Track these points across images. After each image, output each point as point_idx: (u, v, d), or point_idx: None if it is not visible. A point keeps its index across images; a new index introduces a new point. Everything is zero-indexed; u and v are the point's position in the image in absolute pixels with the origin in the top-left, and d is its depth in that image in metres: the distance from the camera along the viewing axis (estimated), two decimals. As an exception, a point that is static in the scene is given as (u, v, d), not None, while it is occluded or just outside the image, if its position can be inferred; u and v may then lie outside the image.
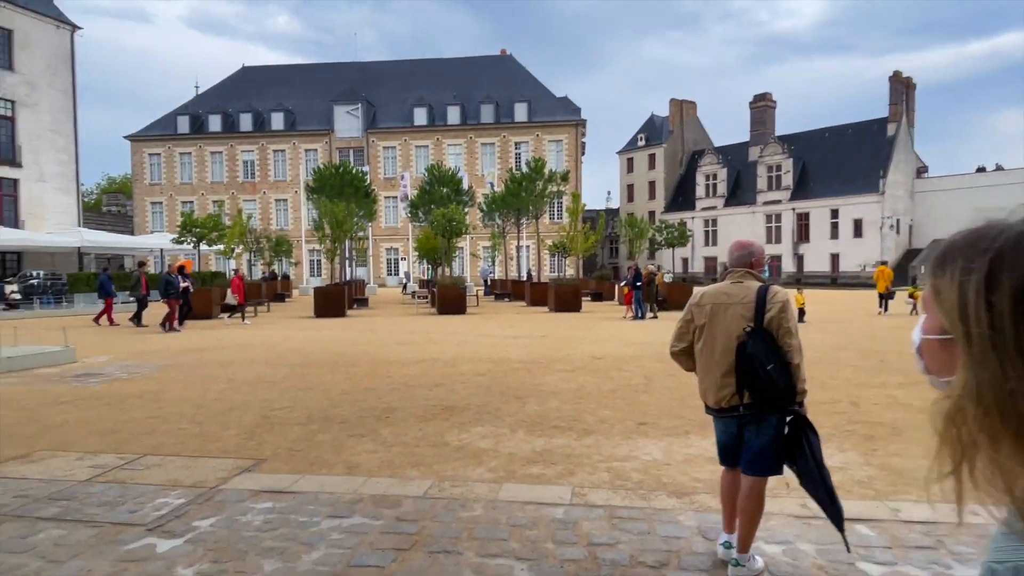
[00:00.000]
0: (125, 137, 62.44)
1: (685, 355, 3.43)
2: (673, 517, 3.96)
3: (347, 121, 60.01)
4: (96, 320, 18.85)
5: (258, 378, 9.12)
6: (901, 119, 59.31)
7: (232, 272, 20.40)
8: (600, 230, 26.47)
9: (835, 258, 60.66)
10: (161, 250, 36.68)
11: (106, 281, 19.05)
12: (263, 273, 38.87)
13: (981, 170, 58.62)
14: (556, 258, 53.03)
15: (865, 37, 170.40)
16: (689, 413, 6.75)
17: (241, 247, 24.89)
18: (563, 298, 22.06)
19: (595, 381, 8.63)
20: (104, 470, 5.02)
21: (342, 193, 25.26)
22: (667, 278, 38.15)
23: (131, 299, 18.75)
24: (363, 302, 25.49)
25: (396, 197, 58.03)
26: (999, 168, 58.18)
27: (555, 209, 53.59)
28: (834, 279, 59.60)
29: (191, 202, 59.56)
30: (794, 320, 3.13)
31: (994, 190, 55.60)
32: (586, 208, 25.34)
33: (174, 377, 9.35)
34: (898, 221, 58.82)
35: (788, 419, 3.09)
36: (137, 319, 17.87)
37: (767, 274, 35.02)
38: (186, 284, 17.31)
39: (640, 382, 8.56)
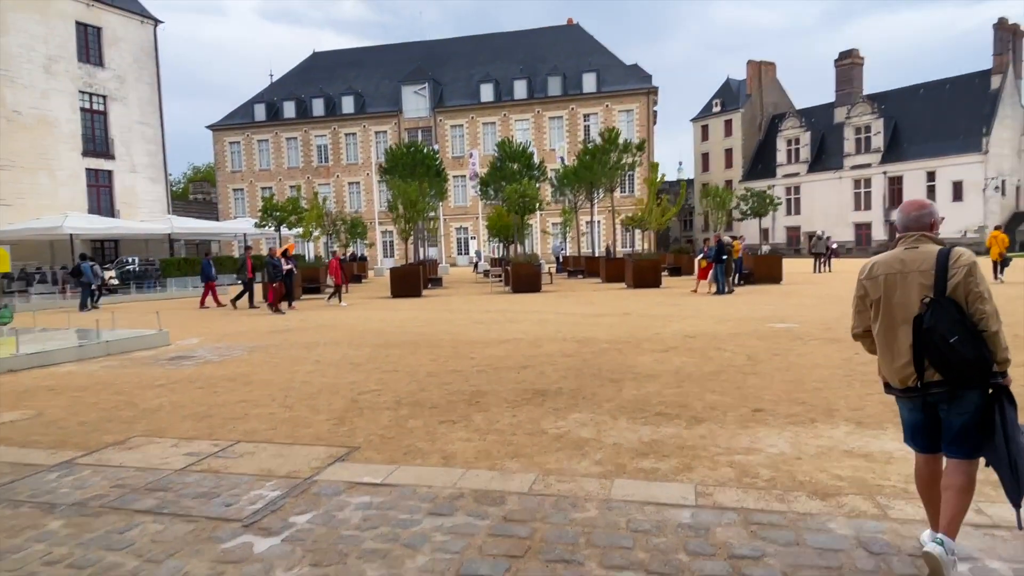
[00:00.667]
0: (207, 127, 65.03)
1: (866, 336, 3.10)
2: (822, 524, 3.42)
3: (415, 101, 60.25)
4: (202, 303, 19.62)
5: (343, 360, 9.02)
6: (1007, 70, 54.22)
7: (330, 254, 20.64)
8: (680, 201, 25.38)
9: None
10: (244, 234, 38.01)
11: (207, 266, 19.79)
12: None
13: (1103, 122, 52.93)
14: (629, 232, 51.78)
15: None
16: (808, 397, 6.10)
17: (319, 230, 25.28)
18: (642, 274, 21.28)
19: (694, 362, 8.04)
20: (199, 458, 4.91)
21: (414, 173, 25.23)
22: (835, 244, 35.77)
23: (238, 281, 19.41)
24: (437, 282, 25.51)
25: (465, 176, 58.09)
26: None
27: (626, 182, 52.20)
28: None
29: (270, 187, 61.57)
30: (984, 283, 2.74)
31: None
32: (665, 179, 24.28)
33: (261, 359, 9.39)
34: (1004, 182, 54.11)
35: (990, 392, 2.78)
36: (246, 300, 18.49)
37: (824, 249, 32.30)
38: (289, 267, 17.66)
39: (744, 362, 7.91)
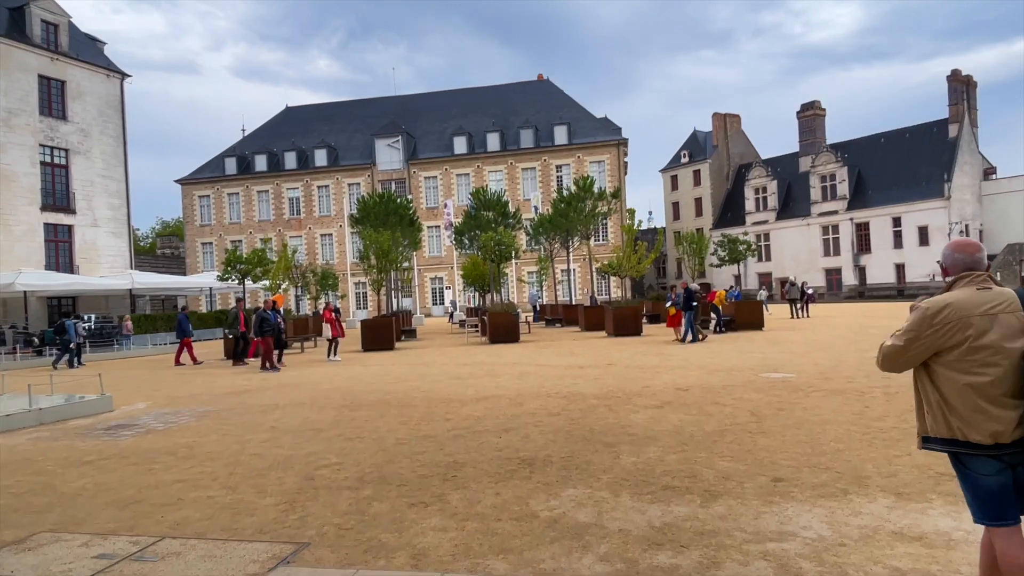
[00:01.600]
0: (176, 181, 64.08)
1: (899, 369, 2.84)
2: (905, 647, 2.64)
3: (388, 154, 60.29)
4: (177, 360, 18.49)
5: (303, 425, 8.08)
6: (963, 119, 56.28)
7: (327, 305, 19.58)
8: (658, 248, 25.05)
9: (900, 268, 57.43)
10: (211, 288, 36.77)
11: (183, 321, 18.74)
12: (312, 309, 38.64)
13: (1056, 168, 54.90)
14: (605, 280, 51.56)
15: (904, 43, 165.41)
16: (830, 461, 5.37)
17: (287, 282, 24.35)
18: (622, 322, 20.68)
19: (693, 419, 7.29)
20: (111, 562, 3.97)
21: (386, 222, 24.60)
22: (811, 290, 35.27)
23: (230, 336, 18.25)
24: (411, 333, 24.61)
25: (439, 226, 57.78)
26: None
27: (599, 231, 52.30)
28: (900, 290, 56.38)
29: (240, 240, 60.44)
30: None
31: (1072, 188, 52.03)
32: (641, 225, 24.02)
33: (211, 427, 8.39)
34: (967, 226, 55.41)
35: None
36: (241, 356, 17.47)
37: (735, 296, 32.14)
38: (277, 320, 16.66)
39: (748, 419, 7.18)
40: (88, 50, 37.26)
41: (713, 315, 20.92)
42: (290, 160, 61.85)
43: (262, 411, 9.38)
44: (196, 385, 13.40)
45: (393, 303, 31.00)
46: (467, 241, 28.14)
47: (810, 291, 31.92)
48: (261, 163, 62.09)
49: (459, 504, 4.68)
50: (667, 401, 8.51)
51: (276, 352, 15.80)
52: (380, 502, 4.82)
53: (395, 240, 21.79)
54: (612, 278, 42.19)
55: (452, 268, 53.38)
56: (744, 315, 21.58)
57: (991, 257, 54.07)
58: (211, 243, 62.66)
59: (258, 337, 15.91)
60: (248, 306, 18.77)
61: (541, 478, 5.22)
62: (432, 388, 10.87)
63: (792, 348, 15.06)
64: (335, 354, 17.59)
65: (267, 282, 22.01)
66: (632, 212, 21.12)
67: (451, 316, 35.99)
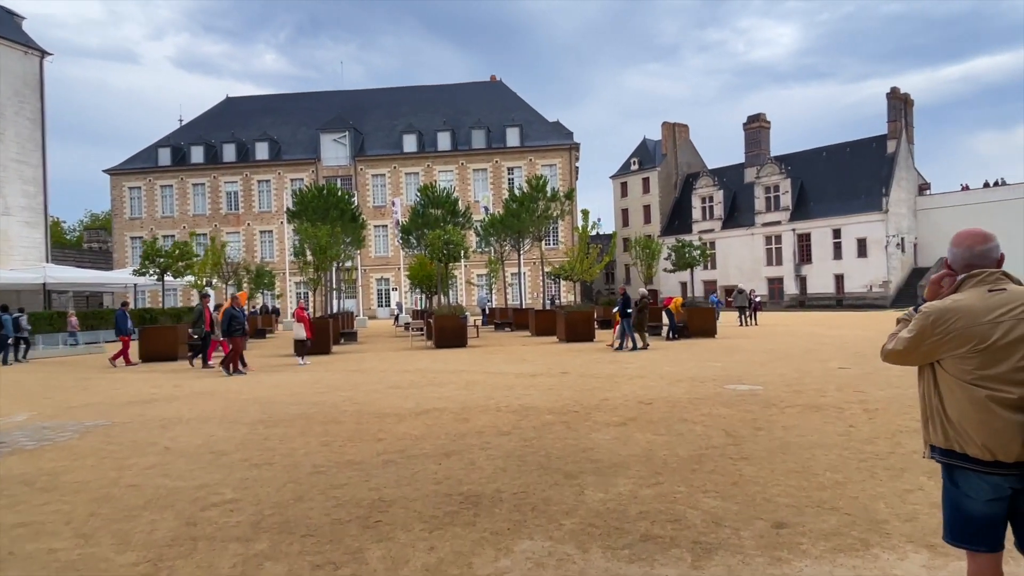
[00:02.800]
0: (104, 171, 60.30)
1: (905, 362, 2.50)
2: None
3: (334, 149, 58.22)
4: (114, 359, 16.59)
5: (204, 446, 6.77)
6: (901, 136, 58.21)
7: (299, 304, 17.72)
8: (612, 251, 24.40)
9: (839, 279, 58.88)
10: (135, 285, 34.26)
11: (122, 317, 16.85)
12: (252, 308, 36.50)
13: (987, 185, 57.39)
14: (556, 284, 50.90)
15: (840, 65, 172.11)
16: (833, 497, 4.49)
17: (215, 278, 22.53)
18: (575, 327, 19.82)
19: (663, 441, 6.36)
20: None
21: (326, 217, 23.08)
22: (758, 298, 35.41)
23: (194, 336, 16.31)
24: (351, 336, 23.12)
25: (386, 226, 56.11)
26: (1000, 183, 56.98)
27: (550, 235, 51.65)
28: (839, 300, 57.78)
29: (172, 235, 57.22)
30: None
31: (998, 206, 54.38)
32: (597, 225, 23.32)
33: (92, 446, 6.99)
34: (903, 240, 57.30)
35: None
36: (203, 359, 15.69)
37: (714, 301, 32.36)
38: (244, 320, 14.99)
39: (725, 441, 6.30)
40: (3, 24, 34.28)
41: (667, 321, 20.30)
42: (229, 152, 59.03)
43: (161, 426, 7.99)
44: (99, 391, 11.77)
45: (334, 303, 29.40)
46: (414, 240, 26.87)
47: (758, 299, 31.93)
48: (198, 155, 59.04)
49: (380, 565, 3.56)
50: (630, 417, 7.57)
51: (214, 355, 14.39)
52: (275, 562, 3.65)
53: (335, 236, 20.35)
54: (563, 282, 41.52)
55: (399, 269, 51.74)
56: (697, 322, 21.06)
57: (922, 272, 56.05)
58: (141, 237, 59.11)
59: (225, 337, 14.37)
60: (208, 304, 16.83)
61: (488, 523, 4.15)
62: (366, 400, 9.65)
63: (750, 357, 14.46)
64: (303, 357, 16.04)
65: (192, 278, 20.20)
66: (586, 213, 20.36)
67: (396, 319, 34.56)
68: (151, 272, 18.27)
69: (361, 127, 60.02)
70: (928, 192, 60.99)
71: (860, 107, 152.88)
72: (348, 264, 32.05)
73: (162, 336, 16.97)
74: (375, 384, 11.47)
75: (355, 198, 32.96)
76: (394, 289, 55.52)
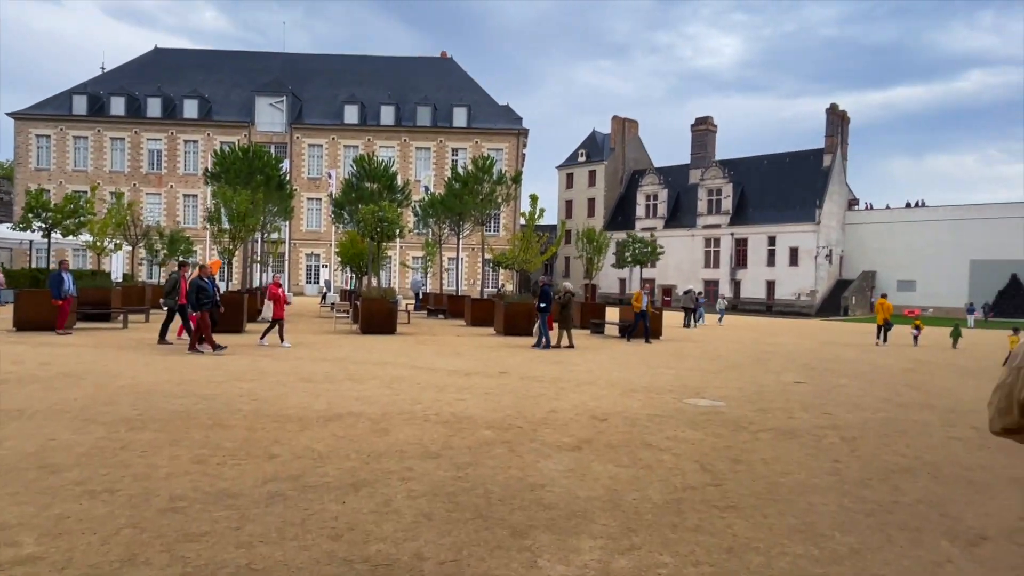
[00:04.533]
0: (8, 114, 54.82)
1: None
2: None
3: (270, 114, 54.90)
4: (60, 325, 14.23)
5: (34, 456, 5.15)
6: (836, 151, 59.80)
7: (273, 279, 15.58)
8: (559, 240, 23.31)
9: (771, 285, 60.22)
10: (31, 242, 30.77)
11: (57, 279, 14.24)
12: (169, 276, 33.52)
13: (909, 205, 59.74)
14: (495, 272, 49.63)
15: (778, 80, 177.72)
16: (854, 572, 3.41)
17: (118, 240, 20.08)
18: (514, 319, 18.63)
19: (628, 476, 5.19)
20: None
21: (250, 182, 20.93)
22: (720, 304, 35.47)
23: (164, 307, 13.90)
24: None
25: (321, 199, 53.46)
26: (920, 204, 59.46)
27: (492, 222, 50.34)
28: (769, 306, 59.08)
29: (83, 192, 52.64)
30: None
31: (918, 225, 56.72)
32: (544, 213, 22.10)
33: None
34: (831, 251, 59.03)
35: None
36: (161, 333, 13.49)
37: (702, 302, 33.02)
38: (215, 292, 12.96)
39: (700, 478, 5.19)
40: None
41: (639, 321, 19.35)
42: (154, 107, 54.77)
43: (-8, 422, 6.25)
44: (-60, 367, 9.69)
45: (254, 278, 27.22)
46: (347, 215, 24.97)
47: (702, 301, 31.74)
48: (118, 106, 54.49)
49: None
50: (585, 439, 6.39)
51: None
52: None
53: (256, 203, 18.36)
54: (502, 271, 40.30)
55: (331, 245, 49.34)
56: (655, 324, 20.21)
57: (846, 283, 57.96)
58: (48, 191, 54.15)
59: (195, 311, 12.40)
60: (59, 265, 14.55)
61: (402, 621, 2.83)
62: (269, 395, 8.11)
63: (701, 364, 13.64)
64: (282, 338, 14.16)
65: (89, 237, 17.79)
66: (535, 198, 19.13)
67: (324, 297, 32.51)
68: (36, 228, 15.82)
69: (300, 93, 56.85)
70: (856, 208, 63.04)
71: (794, 122, 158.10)
72: (275, 236, 29.78)
73: (41, 301, 14.64)
74: (284, 374, 9.90)
75: (286, 165, 30.60)
76: (324, 266, 52.95)
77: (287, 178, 27.24)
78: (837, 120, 60.53)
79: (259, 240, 26.51)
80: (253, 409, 7.18)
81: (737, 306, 60.70)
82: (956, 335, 21.23)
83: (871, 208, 62.35)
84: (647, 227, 66.43)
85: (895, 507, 4.64)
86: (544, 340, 15.61)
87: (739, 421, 7.54)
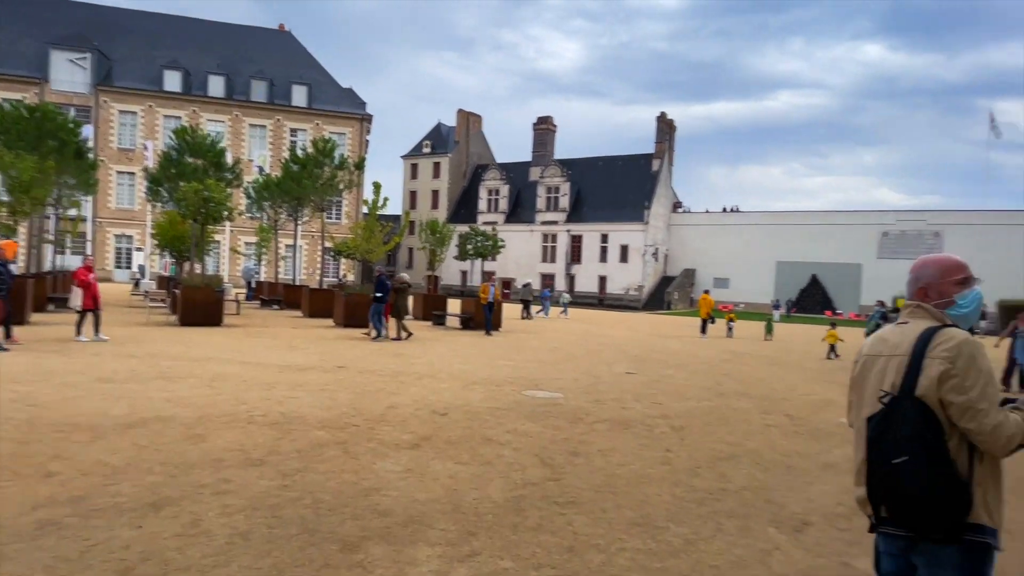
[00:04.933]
0: None
1: None
2: None
3: (69, 71, 47.95)
4: None
5: None
6: (664, 157, 64.82)
7: (85, 261, 12.54)
8: (404, 230, 22.67)
9: (603, 280, 63.92)
10: None
11: None
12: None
13: (725, 210, 66.39)
14: (336, 261, 47.53)
15: (613, 87, 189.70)
16: (696, 571, 3.49)
17: None
18: (355, 310, 17.85)
19: (469, 474, 5.00)
20: None
21: (39, 147, 17.92)
22: (564, 299, 35.91)
23: None
24: (64, 302, 18.35)
25: (133, 173, 47.79)
26: (735, 210, 66.38)
27: (332, 209, 48.25)
28: (601, 300, 62.68)
29: None
30: (983, 383, 1.87)
31: (733, 228, 63.21)
32: (388, 202, 21.21)
33: None
34: (657, 250, 63.95)
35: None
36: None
37: (546, 295, 34.52)
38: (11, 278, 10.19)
39: (540, 472, 5.14)
40: None
41: (490, 312, 19.20)
42: (-89, 51, 45.53)
43: None
44: None
45: (49, 260, 23.63)
46: (165, 192, 22.36)
47: (549, 294, 32.84)
48: None
49: None
50: (425, 436, 6.12)
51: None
52: None
53: (45, 171, 15.74)
54: (343, 260, 38.64)
55: (147, 225, 44.35)
56: (482, 313, 20.35)
57: (669, 280, 63.24)
58: None
59: None
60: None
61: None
62: (52, 399, 6.90)
63: (538, 356, 13.93)
64: (98, 331, 11.76)
65: None
66: (378, 186, 18.37)
67: (136, 284, 29.07)
68: None
69: (110, 52, 50.26)
70: (680, 210, 68.87)
71: (627, 127, 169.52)
72: (74, 212, 26.03)
73: None
74: (76, 374, 8.53)
75: (87, 131, 26.80)
76: (138, 249, 47.46)
77: (89, 145, 23.84)
78: (666, 128, 65.59)
79: (52, 217, 22.97)
80: (29, 417, 6.03)
81: (572, 300, 63.75)
82: (769, 328, 23.83)
83: (691, 212, 68.33)
84: (489, 221, 67.36)
85: (723, 495, 4.90)
86: (378, 332, 15.08)
87: (576, 412, 7.70)
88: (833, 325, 18.85)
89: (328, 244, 22.92)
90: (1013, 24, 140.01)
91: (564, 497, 4.60)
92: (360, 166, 25.07)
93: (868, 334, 14.62)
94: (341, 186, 25.02)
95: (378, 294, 15.29)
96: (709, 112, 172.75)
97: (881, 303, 15.66)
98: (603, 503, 4.52)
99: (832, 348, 17.32)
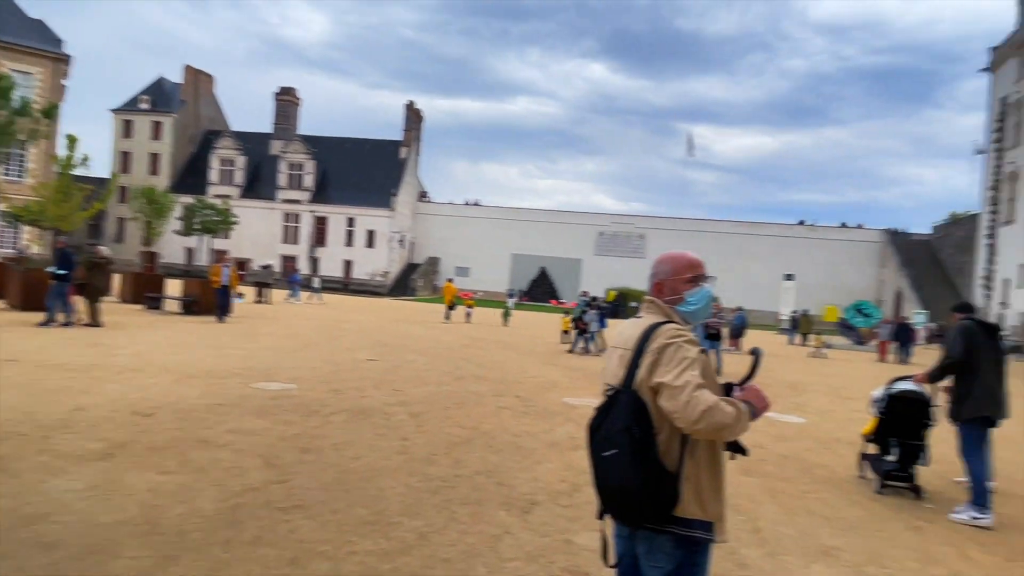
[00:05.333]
0: None
1: None
2: None
3: None
4: None
5: None
6: (412, 145, 65.32)
7: None
8: (107, 197, 19.14)
9: (349, 264, 62.38)
10: None
11: None
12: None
13: (468, 203, 69.24)
14: (14, 230, 38.64)
15: (361, 69, 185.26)
16: (428, 566, 3.40)
17: None
18: (34, 290, 14.62)
19: (172, 484, 4.27)
20: None
21: None
22: (315, 283, 31.95)
23: None
24: None
25: None
26: (476, 203, 69.67)
27: (18, 164, 39.24)
28: (346, 285, 61.13)
29: None
30: (683, 368, 1.89)
31: (474, 220, 66.31)
32: (81, 166, 17.50)
33: None
34: (404, 237, 64.33)
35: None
36: None
37: (296, 279, 32.62)
38: None
39: (264, 474, 4.62)
40: None
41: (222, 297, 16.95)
42: None
43: None
44: None
45: None
46: None
47: (299, 278, 30.87)
48: None
49: None
50: (121, 443, 5.13)
51: None
52: None
53: None
54: (26, 228, 31.49)
55: None
56: (209, 297, 18.27)
57: (415, 267, 64.16)
58: None
59: None
60: None
61: None
62: None
63: (274, 343, 12.91)
64: None
65: None
66: (73, 139, 15.21)
67: None
68: None
69: None
70: (426, 199, 70.13)
71: (375, 111, 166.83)
72: None
73: None
74: None
75: None
76: None
77: None
78: (413, 117, 66.07)
79: None
80: None
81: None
82: (507, 315, 25.35)
83: (436, 202, 69.96)
84: (221, 194, 61.18)
85: (457, 481, 4.91)
86: (53, 317, 12.50)
87: (311, 404, 7.21)
88: (567, 313, 20.83)
89: (3, 207, 18.44)
90: (710, 61, 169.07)
91: (289, 501, 4.18)
92: (51, 114, 20.71)
93: (573, 320, 16.38)
94: (23, 136, 20.36)
95: (60, 271, 12.68)
96: (455, 107, 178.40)
97: (585, 293, 17.43)
98: (334, 503, 4.21)
99: (567, 333, 19.00)
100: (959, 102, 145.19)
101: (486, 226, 65.42)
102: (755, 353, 2.20)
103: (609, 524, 2.12)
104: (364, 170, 63.57)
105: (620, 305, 42.68)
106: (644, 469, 1.89)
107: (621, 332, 2.19)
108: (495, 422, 7.15)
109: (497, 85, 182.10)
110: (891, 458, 5.59)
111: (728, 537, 2.05)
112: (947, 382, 5.31)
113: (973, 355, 5.07)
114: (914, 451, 5.52)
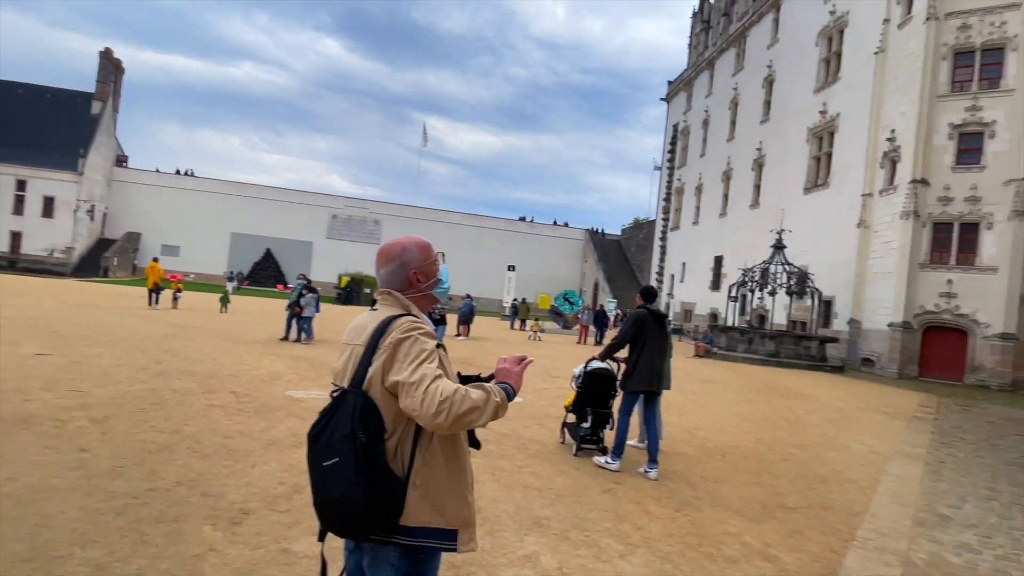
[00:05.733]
0: None
1: None
2: None
3: None
4: None
5: None
6: (108, 100, 55.69)
7: None
8: None
9: (17, 237, 51.11)
10: None
11: None
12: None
13: (179, 173, 61.25)
14: None
15: (42, 2, 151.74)
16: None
17: None
18: None
19: None
20: None
21: None
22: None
23: None
24: None
25: None
26: (191, 174, 62.16)
27: None
28: (13, 262, 50.01)
29: None
30: (420, 362, 1.79)
31: (187, 193, 59.19)
32: None
33: None
34: (94, 207, 54.64)
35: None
36: None
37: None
38: None
39: None
40: None
41: None
42: None
43: None
44: None
45: None
46: None
47: None
48: None
49: None
50: None
51: None
52: None
53: None
54: None
55: None
56: None
57: (109, 243, 54.94)
58: None
59: None
60: None
61: None
62: None
63: None
64: None
65: None
66: None
67: None
68: None
69: None
70: (125, 165, 60.43)
71: (59, 55, 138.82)
72: None
73: None
74: None
75: None
76: None
77: None
78: (111, 68, 56.42)
79: None
80: None
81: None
82: (225, 300, 22.91)
83: (138, 169, 60.69)
84: None
85: (152, 496, 4.22)
86: None
87: (-53, 415, 5.62)
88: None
89: None
90: (444, 57, 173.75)
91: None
92: None
93: (289, 305, 15.39)
94: None
95: None
96: (166, 63, 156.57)
97: (302, 275, 16.45)
98: (-25, 542, 3.29)
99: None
100: (644, 125, 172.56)
101: (201, 200, 58.73)
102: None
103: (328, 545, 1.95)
104: (42, 124, 52.52)
105: (353, 291, 41.85)
106: (368, 476, 1.74)
107: (354, 326, 2.01)
108: (202, 423, 6.36)
109: (218, 45, 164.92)
110: (586, 425, 6.58)
111: (476, 545, 1.94)
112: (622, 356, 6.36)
113: (639, 338, 6.05)
114: (603, 418, 6.60)
